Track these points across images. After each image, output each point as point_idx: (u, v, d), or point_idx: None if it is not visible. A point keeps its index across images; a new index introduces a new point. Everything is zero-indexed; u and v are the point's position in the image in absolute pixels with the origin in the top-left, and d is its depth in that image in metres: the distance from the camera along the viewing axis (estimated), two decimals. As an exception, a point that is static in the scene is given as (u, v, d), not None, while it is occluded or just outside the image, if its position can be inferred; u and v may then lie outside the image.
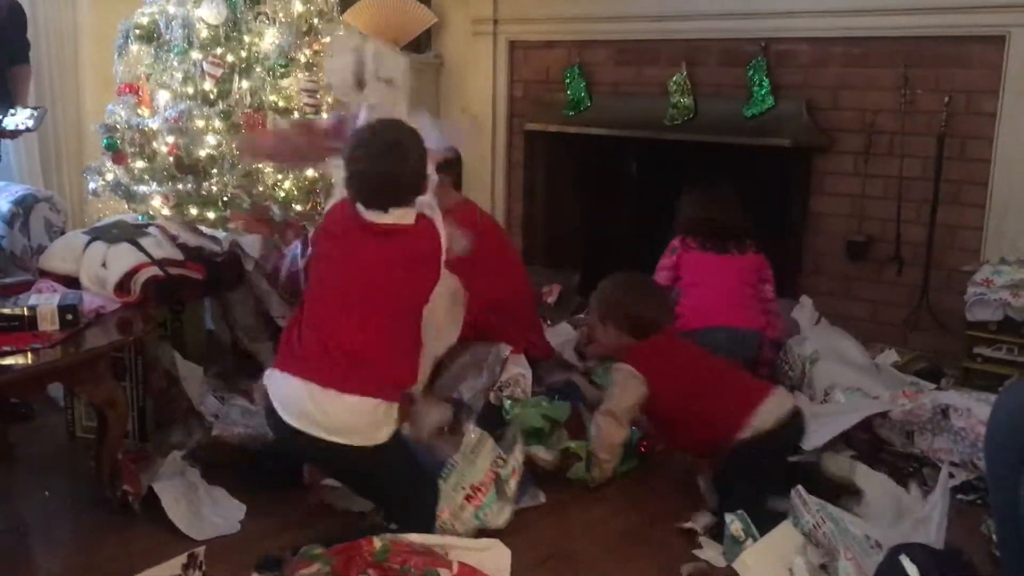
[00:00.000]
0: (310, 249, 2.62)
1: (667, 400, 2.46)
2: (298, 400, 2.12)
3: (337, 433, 2.10)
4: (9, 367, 2.12)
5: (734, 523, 2.15)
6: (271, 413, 2.20)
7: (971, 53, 3.35)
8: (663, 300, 2.76)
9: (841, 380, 3.05)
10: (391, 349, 2.20)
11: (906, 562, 1.67)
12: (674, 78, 3.98)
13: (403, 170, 2.18)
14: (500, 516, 2.28)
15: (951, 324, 3.40)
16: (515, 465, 2.35)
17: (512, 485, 2.32)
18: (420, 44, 4.90)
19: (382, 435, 2.15)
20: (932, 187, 3.45)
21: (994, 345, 3.14)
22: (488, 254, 2.87)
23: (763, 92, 3.74)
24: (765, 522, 2.14)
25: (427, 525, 2.14)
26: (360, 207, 2.21)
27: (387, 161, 2.17)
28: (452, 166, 3.07)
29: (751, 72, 3.76)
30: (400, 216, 2.22)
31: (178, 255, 2.64)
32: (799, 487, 2.22)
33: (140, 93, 3.65)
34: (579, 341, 3.36)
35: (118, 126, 3.59)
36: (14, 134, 3.13)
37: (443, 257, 2.28)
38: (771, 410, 2.38)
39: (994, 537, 2.06)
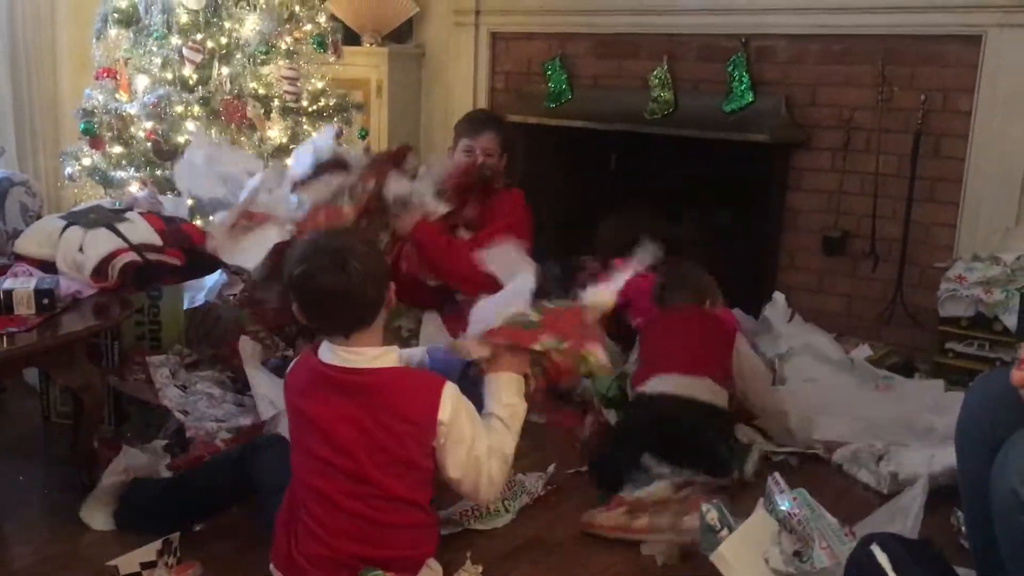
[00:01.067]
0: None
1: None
2: None
3: None
4: (-16, 350, 2.11)
5: (710, 512, 2.16)
6: None
7: (948, 52, 3.38)
8: None
9: (815, 375, 3.09)
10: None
11: (877, 551, 1.68)
12: (655, 72, 3.99)
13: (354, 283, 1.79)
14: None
15: (924, 319, 3.44)
16: None
17: None
18: (401, 34, 4.89)
19: None
20: (908, 184, 3.48)
21: (965, 341, 3.18)
22: None
23: (742, 88, 3.76)
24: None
25: None
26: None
27: (337, 280, 1.79)
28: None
29: (731, 68, 3.78)
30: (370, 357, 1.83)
31: (157, 240, 2.62)
32: (775, 473, 2.24)
33: (118, 78, 3.62)
34: None
35: (95, 111, 3.56)
36: None
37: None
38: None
39: (963, 528, 2.10)
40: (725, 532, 2.10)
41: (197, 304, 3.18)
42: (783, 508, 2.07)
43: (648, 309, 3.00)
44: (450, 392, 1.83)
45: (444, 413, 1.81)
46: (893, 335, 3.56)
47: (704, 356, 2.69)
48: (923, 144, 3.44)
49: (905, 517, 2.03)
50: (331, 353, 1.85)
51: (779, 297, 3.50)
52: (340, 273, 1.78)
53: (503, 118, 3.46)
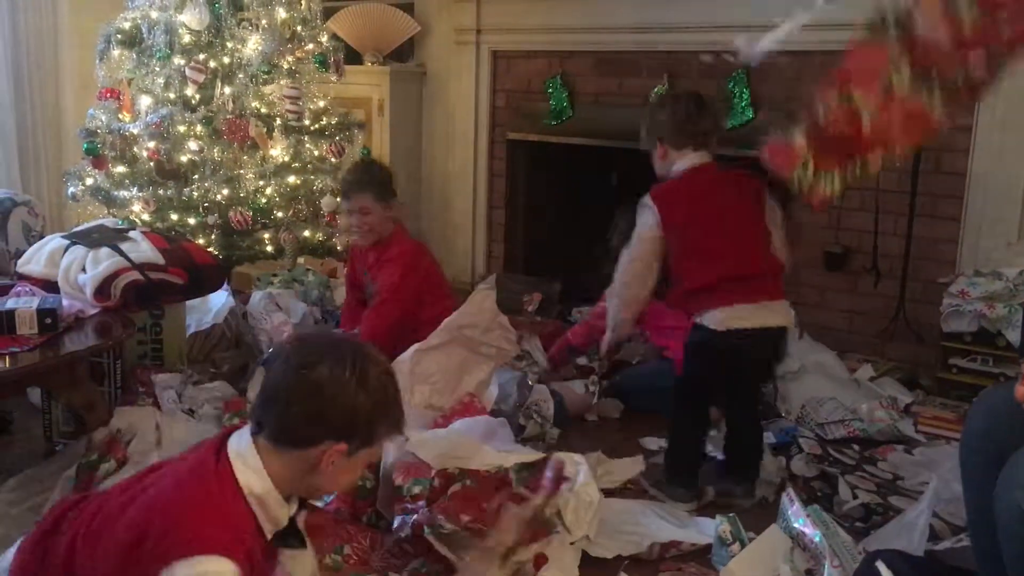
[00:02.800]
0: None
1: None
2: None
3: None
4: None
5: (722, 525, 2.16)
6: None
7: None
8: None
9: (817, 393, 3.08)
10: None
11: (882, 567, 1.68)
12: (656, 89, 4.00)
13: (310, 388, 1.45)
14: None
15: (927, 335, 3.43)
16: None
17: None
18: (403, 53, 4.92)
19: None
20: (909, 199, 3.49)
21: (969, 356, 3.17)
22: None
23: (743, 104, 3.77)
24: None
25: None
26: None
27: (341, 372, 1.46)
28: None
29: (731, 84, 3.80)
30: (245, 462, 1.47)
31: (159, 260, 2.63)
32: (789, 489, 2.24)
33: (121, 98, 3.64)
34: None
35: (99, 131, 3.58)
36: None
37: None
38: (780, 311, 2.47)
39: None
40: (737, 547, 2.10)
41: (203, 327, 3.17)
42: (796, 525, 2.07)
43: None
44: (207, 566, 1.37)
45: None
46: (895, 351, 3.55)
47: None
48: (924, 159, 3.45)
49: (911, 532, 2.02)
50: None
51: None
52: (344, 375, 1.45)
53: (373, 169, 3.17)
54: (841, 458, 2.73)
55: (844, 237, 3.66)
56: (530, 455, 2.30)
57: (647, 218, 2.47)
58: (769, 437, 2.86)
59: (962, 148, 3.37)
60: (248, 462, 1.46)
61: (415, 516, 2.03)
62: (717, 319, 2.36)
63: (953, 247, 3.43)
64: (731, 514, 2.18)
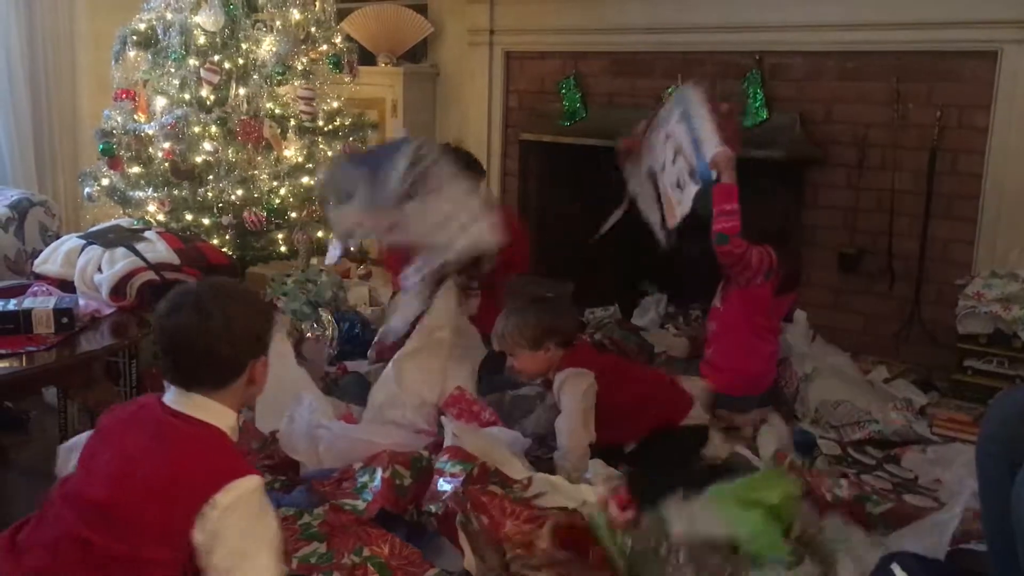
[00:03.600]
0: None
1: (617, 392, 2.56)
2: None
3: None
4: (4, 369, 2.12)
5: None
6: None
7: (963, 68, 3.38)
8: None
9: (832, 395, 3.07)
10: None
11: (897, 570, 1.68)
12: (669, 90, 3.99)
13: (211, 338, 1.61)
14: None
15: (942, 337, 3.41)
16: None
17: None
18: (416, 54, 4.93)
19: None
20: (924, 201, 3.47)
21: (984, 358, 3.16)
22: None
23: (757, 105, 3.76)
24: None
25: None
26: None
27: (190, 320, 1.61)
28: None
29: (746, 85, 3.79)
30: (204, 409, 1.63)
31: (175, 260, 2.65)
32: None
33: (137, 99, 3.66)
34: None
35: (114, 131, 3.60)
36: None
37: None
38: (699, 414, 2.65)
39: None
40: None
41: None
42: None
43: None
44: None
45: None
46: (910, 353, 3.53)
47: None
48: (939, 160, 3.43)
49: (942, 533, 2.01)
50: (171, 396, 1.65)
51: (801, 316, 3.46)
52: (197, 318, 1.60)
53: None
54: (862, 459, 2.72)
55: (859, 238, 3.65)
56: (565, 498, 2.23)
57: None
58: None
59: (978, 149, 3.36)
60: (210, 408, 1.63)
61: (450, 491, 2.12)
62: None
63: (969, 248, 3.41)
64: None
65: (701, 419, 2.68)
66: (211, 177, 3.53)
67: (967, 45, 3.34)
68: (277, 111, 3.65)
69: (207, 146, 3.50)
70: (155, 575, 1.52)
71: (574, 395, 2.53)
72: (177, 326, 1.62)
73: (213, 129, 3.52)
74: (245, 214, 3.48)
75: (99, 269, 2.58)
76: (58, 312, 2.30)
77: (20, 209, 3.62)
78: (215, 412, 1.63)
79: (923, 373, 3.41)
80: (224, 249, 3.34)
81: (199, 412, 1.62)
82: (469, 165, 3.16)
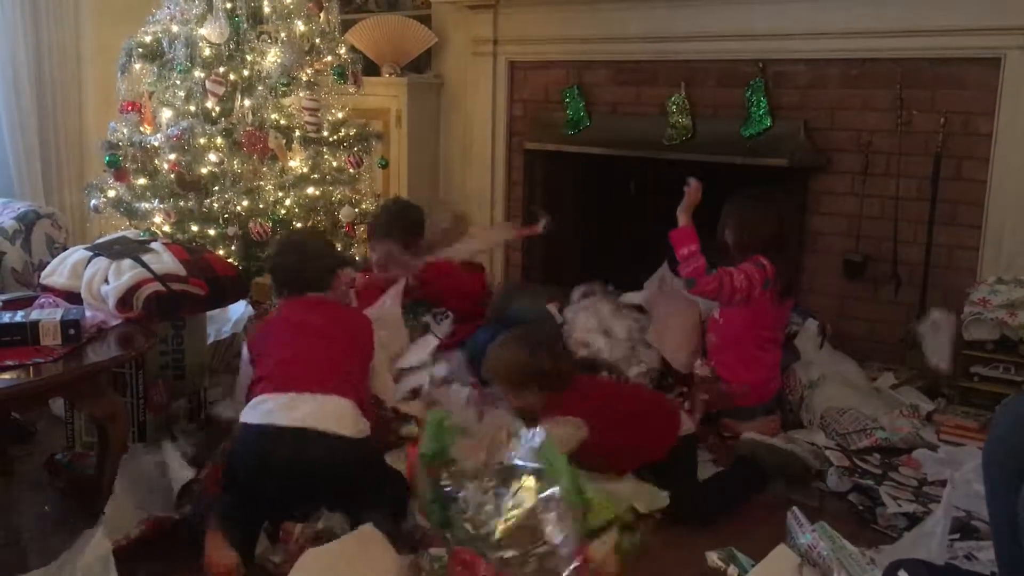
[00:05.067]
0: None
1: (606, 434, 2.44)
2: (288, 407, 2.20)
3: (327, 423, 2.19)
4: (12, 381, 2.13)
5: (710, 556, 2.18)
6: (243, 448, 2.22)
7: (967, 75, 3.38)
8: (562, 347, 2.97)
9: (837, 402, 3.07)
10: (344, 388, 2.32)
11: (905, 577, 1.67)
12: (672, 98, 4.01)
13: (308, 265, 2.66)
14: None
15: (948, 343, 3.41)
16: None
17: None
18: (420, 64, 4.94)
19: (362, 429, 2.27)
20: (928, 207, 3.47)
21: (991, 364, 3.14)
22: None
23: (761, 112, 3.77)
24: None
25: (400, 512, 2.24)
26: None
27: (293, 256, 2.70)
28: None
29: (749, 93, 3.79)
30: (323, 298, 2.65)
31: (181, 271, 2.65)
32: (794, 508, 2.25)
33: (142, 111, 3.67)
34: None
35: (120, 143, 3.61)
36: None
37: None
38: (685, 422, 2.65)
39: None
40: (734, 569, 2.10)
41: (223, 336, 3.20)
42: (804, 541, 2.07)
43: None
44: None
45: None
46: (916, 360, 3.52)
47: None
48: (944, 167, 3.43)
49: (930, 543, 2.01)
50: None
51: (811, 324, 3.46)
52: (292, 254, 2.71)
53: (397, 210, 3.53)
54: (869, 469, 2.72)
55: (864, 245, 3.65)
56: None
57: None
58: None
59: (982, 156, 3.36)
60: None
61: None
62: None
63: (974, 254, 3.41)
64: (728, 548, 2.21)
65: (689, 429, 2.64)
66: (216, 188, 3.54)
67: (970, 52, 3.34)
68: (282, 122, 3.66)
69: (212, 157, 3.51)
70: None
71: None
72: (290, 264, 2.70)
73: (218, 140, 3.53)
74: (251, 225, 3.49)
75: (106, 280, 2.58)
76: (65, 324, 2.31)
77: (27, 221, 3.64)
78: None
79: (930, 379, 3.39)
80: (230, 260, 3.35)
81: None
82: (410, 223, 3.42)
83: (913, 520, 2.37)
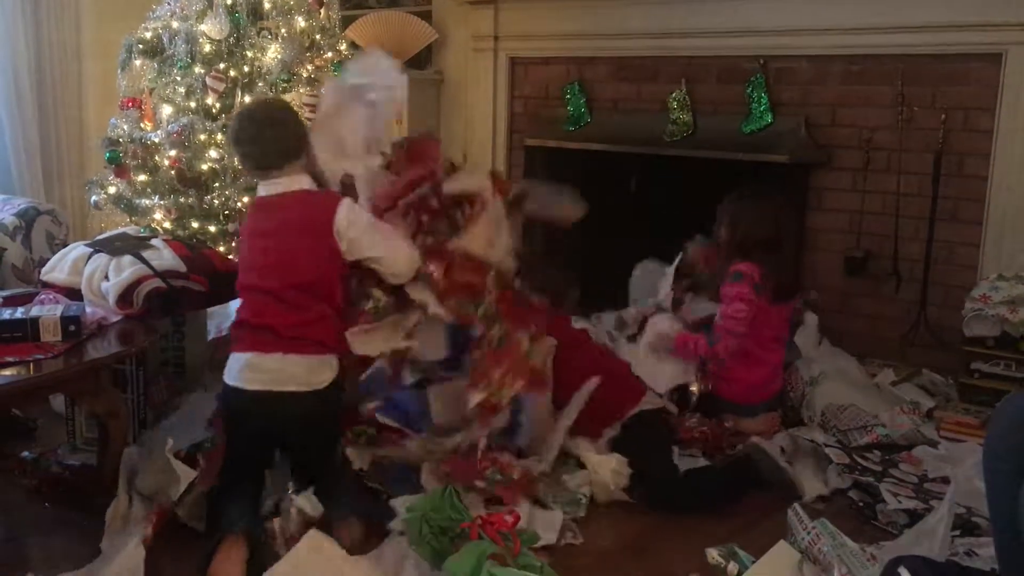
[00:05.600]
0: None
1: (568, 363, 2.73)
2: (252, 367, 2.24)
3: (286, 383, 2.23)
4: (12, 377, 2.13)
5: (710, 553, 2.18)
6: (228, 396, 2.30)
7: (968, 71, 3.38)
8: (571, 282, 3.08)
9: (838, 399, 3.07)
10: (306, 319, 2.27)
11: (905, 574, 1.67)
12: (673, 95, 4.00)
13: (278, 133, 2.35)
14: None
15: (949, 340, 3.41)
16: None
17: None
18: (421, 60, 4.94)
19: (322, 379, 2.28)
20: (929, 204, 3.47)
21: (991, 361, 3.15)
22: None
23: (762, 109, 3.77)
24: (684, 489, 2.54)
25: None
26: (257, 181, 2.41)
27: (263, 129, 2.35)
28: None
29: (750, 89, 3.79)
30: (289, 184, 2.35)
31: (181, 267, 2.65)
32: (795, 505, 2.25)
33: (143, 107, 3.66)
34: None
35: (121, 140, 3.60)
36: None
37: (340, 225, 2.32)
38: (652, 398, 2.78)
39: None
40: (733, 566, 2.10)
41: (223, 333, 3.19)
42: (804, 538, 2.08)
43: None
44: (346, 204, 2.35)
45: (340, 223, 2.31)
46: (917, 356, 3.53)
47: None
48: (945, 163, 3.43)
49: (931, 540, 2.01)
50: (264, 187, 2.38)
51: (811, 320, 3.46)
52: (249, 122, 2.38)
53: None
54: (869, 466, 2.71)
55: (865, 241, 3.65)
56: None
57: None
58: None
59: (983, 152, 3.36)
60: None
61: None
62: None
63: (975, 251, 3.41)
64: (730, 545, 2.21)
65: (655, 404, 2.79)
66: (217, 185, 3.53)
67: (972, 48, 3.33)
68: (282, 118, 3.65)
69: (213, 154, 3.50)
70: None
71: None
72: (261, 137, 2.35)
73: (219, 137, 3.52)
74: (251, 221, 3.48)
75: (106, 277, 2.58)
76: (65, 320, 2.31)
77: (27, 218, 3.64)
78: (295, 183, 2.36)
79: (930, 376, 3.40)
80: (230, 256, 3.35)
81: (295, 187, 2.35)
82: None
83: (914, 517, 2.37)
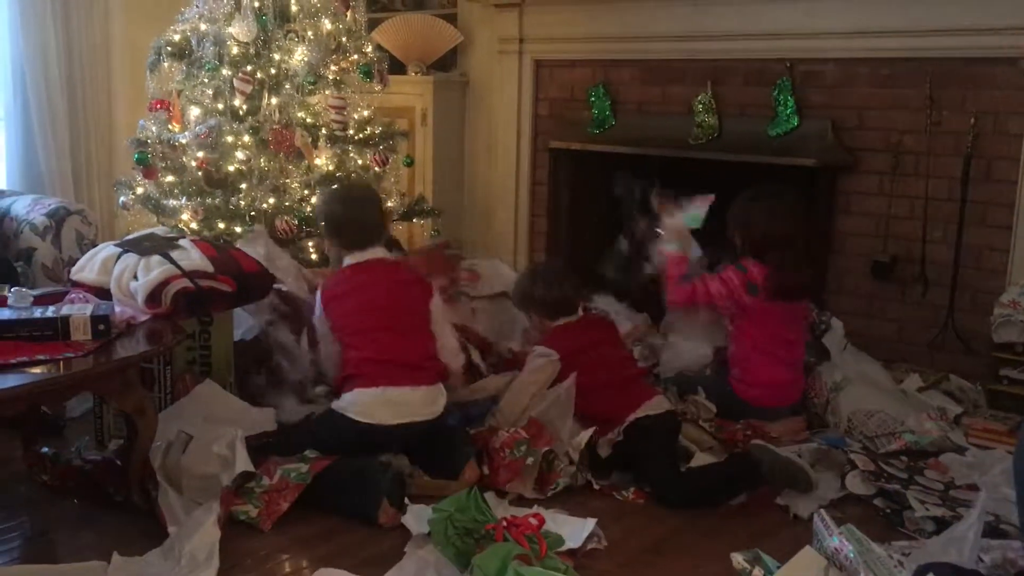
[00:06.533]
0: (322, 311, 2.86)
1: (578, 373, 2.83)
2: (388, 402, 2.61)
3: (421, 413, 2.65)
4: (43, 375, 2.16)
5: (735, 558, 2.17)
6: (350, 430, 2.60)
7: (997, 74, 3.34)
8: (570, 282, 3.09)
9: (864, 404, 3.04)
10: (424, 351, 2.75)
11: (933, 581, 1.66)
12: (699, 97, 3.99)
13: (369, 214, 2.87)
14: None
15: (977, 345, 3.37)
16: None
17: None
18: (446, 63, 4.95)
19: (442, 404, 2.73)
20: (958, 208, 3.43)
21: (1020, 367, 3.11)
22: None
23: (788, 112, 3.74)
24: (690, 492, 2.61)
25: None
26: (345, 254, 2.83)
27: (361, 209, 2.87)
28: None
29: (776, 92, 3.77)
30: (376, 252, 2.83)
31: (209, 267, 2.67)
32: (820, 510, 2.23)
33: (171, 109, 3.70)
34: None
35: (149, 141, 3.64)
36: None
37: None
38: (658, 403, 2.82)
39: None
40: (759, 571, 2.09)
41: (249, 335, 3.20)
42: (831, 543, 2.06)
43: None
44: None
45: None
46: (945, 361, 3.49)
47: None
48: (974, 167, 3.39)
49: (961, 546, 1.99)
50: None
51: (837, 324, 3.43)
52: (353, 204, 2.88)
53: None
54: (896, 473, 2.69)
55: (892, 245, 3.62)
56: None
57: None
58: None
59: (1013, 156, 3.32)
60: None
61: None
62: None
63: (1004, 256, 3.37)
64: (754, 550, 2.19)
65: (661, 407, 2.82)
66: (243, 186, 3.56)
67: (1001, 51, 3.30)
68: (308, 120, 3.68)
69: (240, 155, 3.53)
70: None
71: (528, 369, 2.91)
72: (359, 217, 2.87)
73: (246, 138, 3.55)
74: (277, 222, 3.50)
75: (135, 276, 2.60)
76: (95, 319, 2.33)
77: (57, 217, 3.67)
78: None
79: (958, 383, 3.36)
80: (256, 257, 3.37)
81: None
82: None
83: (941, 524, 2.35)
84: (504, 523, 2.15)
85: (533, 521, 2.18)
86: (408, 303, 2.80)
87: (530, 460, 2.60)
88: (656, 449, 2.71)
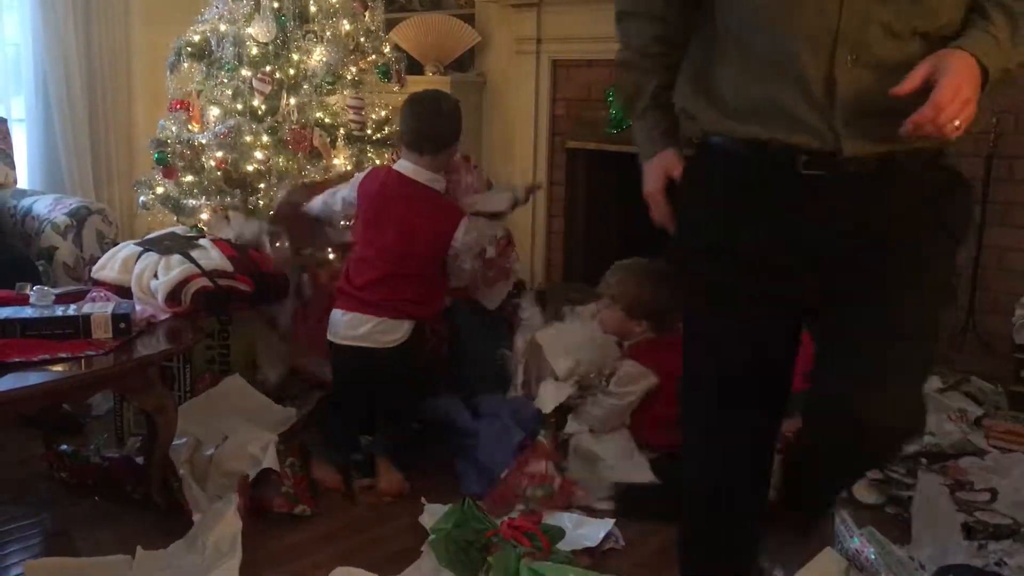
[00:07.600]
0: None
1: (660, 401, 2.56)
2: (351, 325, 2.67)
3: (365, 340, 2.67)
4: (65, 373, 2.17)
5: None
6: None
7: (1021, 73, 3.30)
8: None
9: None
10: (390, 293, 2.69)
11: (954, 584, 1.65)
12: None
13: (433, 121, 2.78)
14: None
15: (998, 347, 3.35)
16: None
17: None
18: (464, 63, 4.96)
19: (401, 337, 2.69)
20: (980, 208, 3.40)
21: (1042, 369, 3.09)
22: None
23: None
24: None
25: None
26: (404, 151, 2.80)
27: (410, 112, 2.79)
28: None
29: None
30: (430, 178, 2.75)
31: (228, 267, 2.69)
32: (842, 512, 2.22)
33: (191, 109, 3.71)
34: None
35: (169, 141, 3.66)
36: None
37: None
38: None
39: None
40: (779, 571, 2.08)
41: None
42: (852, 545, 2.05)
43: None
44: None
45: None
46: (965, 363, 3.46)
47: None
48: (995, 167, 3.37)
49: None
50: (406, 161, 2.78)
51: None
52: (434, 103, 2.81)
53: None
54: (903, 479, 2.65)
55: (912, 246, 3.58)
56: None
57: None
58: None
59: (1035, 155, 3.30)
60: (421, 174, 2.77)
61: None
62: None
63: (1026, 257, 3.34)
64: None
65: None
66: (262, 185, 3.57)
67: (1024, 50, 3.27)
68: (327, 120, 3.68)
69: (258, 155, 3.54)
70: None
71: (625, 389, 2.65)
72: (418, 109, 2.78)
73: (264, 138, 3.56)
74: (295, 221, 3.52)
75: (155, 275, 2.62)
76: (116, 317, 2.35)
77: (78, 217, 3.70)
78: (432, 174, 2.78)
79: (979, 384, 3.33)
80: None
81: (420, 177, 2.75)
82: None
83: (971, 531, 2.31)
84: (504, 526, 2.16)
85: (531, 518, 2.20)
86: (407, 246, 2.69)
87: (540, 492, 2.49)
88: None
